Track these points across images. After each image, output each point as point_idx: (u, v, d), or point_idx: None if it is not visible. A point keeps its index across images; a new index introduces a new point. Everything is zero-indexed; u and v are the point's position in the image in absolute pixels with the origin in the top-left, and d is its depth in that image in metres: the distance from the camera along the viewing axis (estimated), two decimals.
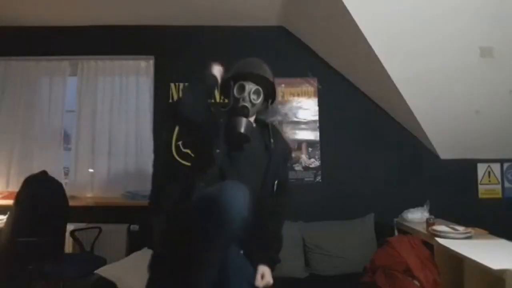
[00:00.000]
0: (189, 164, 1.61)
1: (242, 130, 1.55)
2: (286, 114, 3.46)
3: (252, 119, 1.70)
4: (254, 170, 1.62)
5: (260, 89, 1.67)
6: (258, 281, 1.54)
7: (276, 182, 1.68)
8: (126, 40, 3.46)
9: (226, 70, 1.75)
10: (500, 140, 3.22)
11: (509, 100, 2.87)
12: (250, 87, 1.66)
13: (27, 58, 3.48)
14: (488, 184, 3.42)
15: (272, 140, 1.70)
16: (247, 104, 1.63)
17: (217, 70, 1.70)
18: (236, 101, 1.66)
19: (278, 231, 1.70)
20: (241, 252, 1.56)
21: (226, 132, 1.60)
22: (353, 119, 3.45)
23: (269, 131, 1.73)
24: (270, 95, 1.76)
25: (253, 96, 1.65)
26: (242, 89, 1.66)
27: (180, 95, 3.43)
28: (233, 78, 1.70)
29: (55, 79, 3.51)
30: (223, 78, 1.72)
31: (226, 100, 1.82)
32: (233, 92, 1.67)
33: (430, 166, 3.40)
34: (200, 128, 1.58)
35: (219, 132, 1.61)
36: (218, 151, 1.56)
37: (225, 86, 1.74)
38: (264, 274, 1.57)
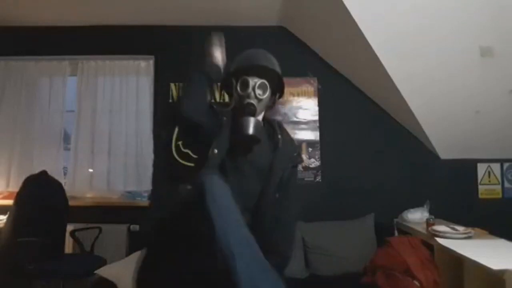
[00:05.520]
0: (191, 164, 1.49)
1: (251, 131, 1.38)
2: (286, 114, 3.45)
3: (260, 116, 1.53)
4: (260, 173, 1.48)
5: (266, 82, 1.48)
6: None
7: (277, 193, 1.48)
8: (126, 40, 3.46)
9: (227, 54, 1.56)
10: (500, 140, 3.22)
11: (509, 100, 2.86)
12: (255, 81, 1.47)
13: (27, 58, 3.48)
14: (488, 184, 3.42)
15: (279, 137, 1.53)
16: (253, 101, 1.46)
17: (218, 54, 1.52)
18: (241, 98, 1.48)
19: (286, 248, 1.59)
20: None
21: (233, 134, 1.44)
22: (353, 119, 3.45)
23: (274, 128, 1.57)
24: (277, 88, 1.55)
25: (258, 91, 1.47)
26: (246, 85, 1.47)
27: (180, 93, 3.44)
28: (234, 74, 1.51)
29: (55, 79, 3.51)
30: (225, 70, 1.53)
31: (227, 97, 1.65)
32: (236, 89, 1.50)
33: (430, 166, 3.39)
34: (200, 127, 1.46)
35: (222, 131, 1.46)
36: (216, 151, 1.42)
37: (227, 82, 1.57)
38: None
